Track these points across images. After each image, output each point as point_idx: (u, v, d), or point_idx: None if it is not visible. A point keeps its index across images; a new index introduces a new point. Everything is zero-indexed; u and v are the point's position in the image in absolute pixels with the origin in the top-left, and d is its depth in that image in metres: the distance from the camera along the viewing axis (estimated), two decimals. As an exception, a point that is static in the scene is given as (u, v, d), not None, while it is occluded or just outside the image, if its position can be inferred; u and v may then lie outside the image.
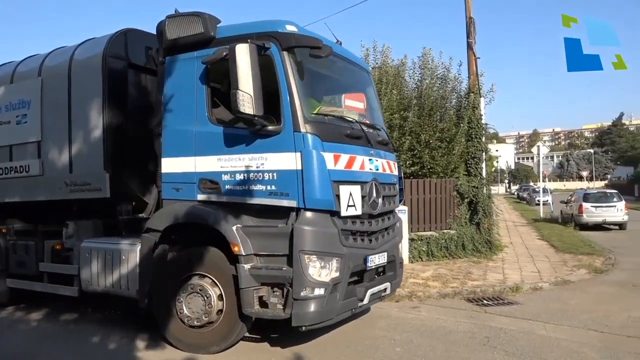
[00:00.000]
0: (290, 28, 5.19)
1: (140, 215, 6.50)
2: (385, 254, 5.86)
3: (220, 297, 5.30)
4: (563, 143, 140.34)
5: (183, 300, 5.42)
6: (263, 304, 5.07)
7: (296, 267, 4.83)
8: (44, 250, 7.00)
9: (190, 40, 5.49)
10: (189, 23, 5.49)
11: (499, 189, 70.17)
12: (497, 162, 65.01)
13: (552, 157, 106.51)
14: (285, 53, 5.05)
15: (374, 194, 5.61)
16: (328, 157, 5.03)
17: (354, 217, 5.30)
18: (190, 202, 5.49)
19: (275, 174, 5.01)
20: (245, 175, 5.15)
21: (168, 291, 5.52)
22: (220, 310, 5.30)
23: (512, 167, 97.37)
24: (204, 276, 5.38)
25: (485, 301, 8.03)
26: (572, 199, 23.31)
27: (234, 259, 5.14)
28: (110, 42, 6.22)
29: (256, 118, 4.86)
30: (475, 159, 12.98)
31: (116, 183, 6.13)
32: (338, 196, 5.08)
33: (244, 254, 5.04)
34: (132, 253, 5.80)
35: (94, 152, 6.17)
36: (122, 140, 6.20)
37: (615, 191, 23.16)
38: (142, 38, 6.55)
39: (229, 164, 5.25)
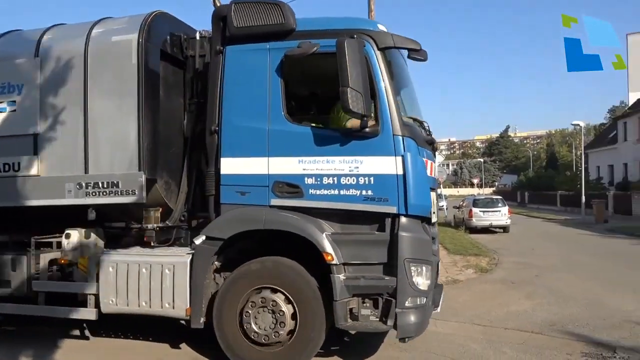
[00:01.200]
0: (382, 27, 5.04)
1: (165, 223, 5.66)
2: (439, 260, 5.88)
3: (294, 313, 4.91)
4: (458, 152, 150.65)
5: (250, 315, 4.96)
6: (353, 316, 4.81)
7: (401, 276, 4.62)
8: (40, 265, 5.86)
9: (264, 30, 5.01)
10: (264, 12, 4.99)
11: (400, 195, 73.21)
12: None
13: (447, 165, 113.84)
14: (379, 52, 4.85)
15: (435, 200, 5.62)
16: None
17: (429, 224, 5.24)
18: (262, 207, 5.01)
19: (372, 179, 4.75)
20: (335, 179, 4.81)
21: (233, 307, 5.02)
22: (294, 327, 4.90)
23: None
24: (275, 289, 4.94)
25: (383, 301, 8.40)
26: (463, 204, 25.16)
27: (312, 270, 4.87)
28: (145, 26, 5.37)
29: (365, 118, 4.60)
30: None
31: (149, 186, 5.38)
32: None
33: (337, 263, 4.71)
34: (180, 266, 5.15)
35: (126, 150, 5.35)
36: (155, 138, 5.47)
37: (501, 197, 25.41)
38: (169, 22, 5.86)
39: (314, 167, 4.86)
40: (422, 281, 4.79)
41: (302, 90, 5.52)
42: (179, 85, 5.87)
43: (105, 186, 5.40)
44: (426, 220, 5.09)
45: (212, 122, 5.23)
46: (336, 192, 4.83)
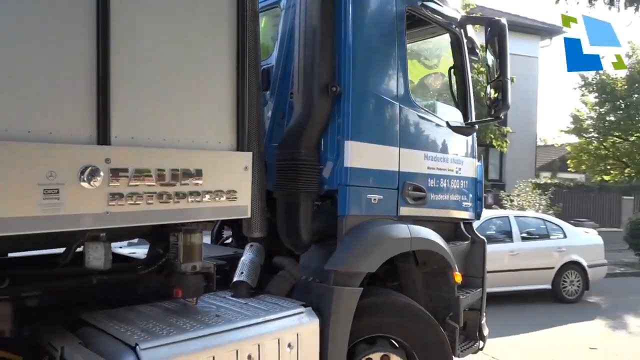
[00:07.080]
0: None
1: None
2: None
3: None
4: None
5: None
6: None
7: (485, 286, 4.21)
8: None
9: None
10: None
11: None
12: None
13: None
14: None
15: None
16: None
17: None
18: (389, 218, 3.41)
19: (466, 182, 4.14)
20: (448, 181, 3.91)
21: None
22: None
23: None
24: (386, 338, 3.38)
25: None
26: None
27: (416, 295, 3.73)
28: None
29: (503, 115, 3.89)
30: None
31: None
32: None
33: (459, 283, 3.79)
34: (308, 332, 2.85)
35: (212, 104, 2.50)
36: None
37: None
38: None
39: (435, 165, 3.74)
40: None
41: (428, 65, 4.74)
42: None
43: (180, 179, 2.31)
44: None
45: (324, 75, 3.15)
46: (447, 197, 3.93)
